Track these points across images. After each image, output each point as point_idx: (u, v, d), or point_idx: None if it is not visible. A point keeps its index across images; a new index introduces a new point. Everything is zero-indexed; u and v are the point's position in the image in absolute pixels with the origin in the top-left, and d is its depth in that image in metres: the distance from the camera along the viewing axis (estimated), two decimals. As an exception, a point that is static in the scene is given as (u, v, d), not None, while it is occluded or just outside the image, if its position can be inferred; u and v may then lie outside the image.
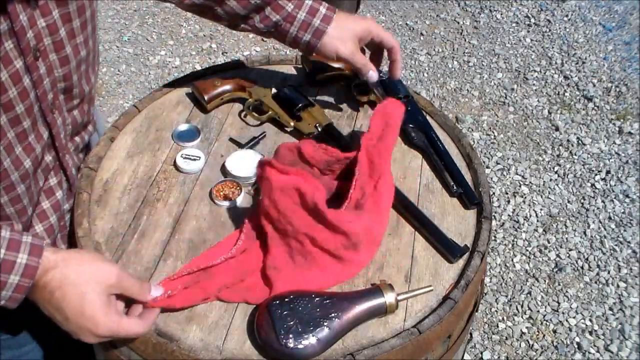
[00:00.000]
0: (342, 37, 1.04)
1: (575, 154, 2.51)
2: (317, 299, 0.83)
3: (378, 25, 1.06)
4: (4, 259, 0.73)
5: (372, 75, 1.07)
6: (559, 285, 2.07)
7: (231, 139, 1.10)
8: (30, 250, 0.75)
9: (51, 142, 0.93)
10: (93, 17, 0.92)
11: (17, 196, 0.87)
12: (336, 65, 1.21)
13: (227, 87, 1.15)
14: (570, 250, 2.17)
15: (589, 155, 2.50)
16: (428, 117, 1.14)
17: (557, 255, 2.16)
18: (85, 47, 0.92)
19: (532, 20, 3.19)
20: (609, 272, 2.10)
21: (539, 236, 2.21)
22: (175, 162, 1.05)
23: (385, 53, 1.10)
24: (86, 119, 1.03)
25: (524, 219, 2.26)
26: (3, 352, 1.04)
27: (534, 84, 2.83)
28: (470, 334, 1.91)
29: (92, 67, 0.98)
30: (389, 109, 1.00)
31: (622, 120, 2.66)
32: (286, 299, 0.82)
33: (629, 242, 2.19)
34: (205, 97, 1.13)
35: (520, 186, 2.39)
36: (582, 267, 2.12)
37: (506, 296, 2.04)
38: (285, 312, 0.81)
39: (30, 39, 0.80)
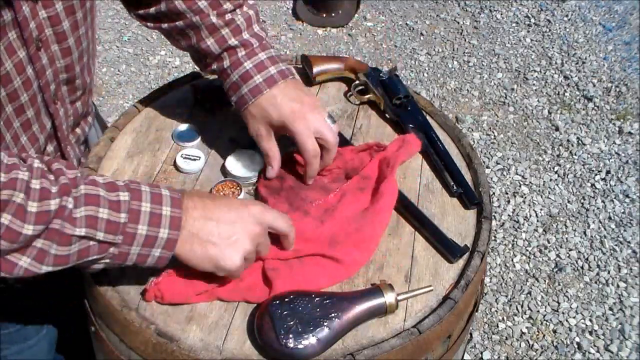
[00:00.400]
0: (257, 117, 0.94)
1: (575, 154, 2.51)
2: (317, 299, 0.83)
3: (303, 126, 0.92)
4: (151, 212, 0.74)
5: (269, 171, 0.97)
6: (559, 285, 2.07)
7: (231, 139, 1.10)
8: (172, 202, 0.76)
9: (53, 133, 0.93)
10: (92, 8, 0.93)
11: None
12: (336, 65, 1.21)
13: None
14: (570, 250, 2.17)
15: (589, 155, 2.50)
16: (428, 117, 1.14)
17: (557, 255, 2.16)
18: (87, 38, 0.92)
19: (532, 20, 3.19)
20: (609, 272, 2.10)
21: (539, 236, 2.21)
22: (175, 162, 1.05)
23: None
24: (86, 110, 1.04)
25: (524, 219, 2.26)
26: (7, 345, 1.05)
27: (534, 84, 2.83)
28: (470, 334, 1.91)
29: (93, 58, 0.99)
30: (409, 138, 1.05)
31: (622, 120, 2.66)
32: (286, 299, 0.82)
33: (629, 242, 2.19)
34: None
35: (520, 186, 2.39)
36: (582, 267, 2.12)
37: (506, 296, 2.04)
38: (285, 312, 0.81)
39: (32, 30, 0.80)
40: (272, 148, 0.96)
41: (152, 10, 0.98)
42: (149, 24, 1.02)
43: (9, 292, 0.99)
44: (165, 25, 0.99)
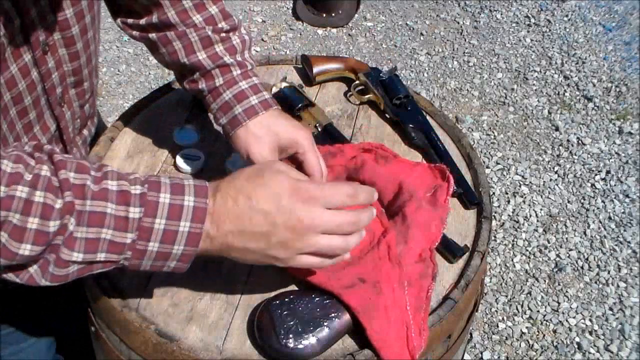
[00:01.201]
0: (260, 136, 0.88)
1: (575, 154, 2.51)
2: (317, 299, 0.83)
3: (310, 142, 0.88)
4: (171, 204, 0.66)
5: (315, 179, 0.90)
6: (559, 285, 2.07)
7: (231, 139, 1.10)
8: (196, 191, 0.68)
9: (59, 135, 0.93)
10: (99, 11, 0.93)
11: None
12: (336, 65, 1.21)
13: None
14: (570, 250, 2.17)
15: (589, 155, 2.50)
16: (428, 117, 1.14)
17: (557, 255, 2.16)
18: (94, 41, 0.92)
19: (532, 20, 3.19)
20: (609, 272, 2.10)
21: (539, 236, 2.21)
22: (175, 162, 1.05)
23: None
24: (92, 111, 1.04)
25: (524, 219, 2.26)
26: (4, 346, 1.05)
27: (534, 84, 2.83)
28: (470, 334, 1.91)
29: (97, 60, 0.99)
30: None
31: (622, 120, 2.66)
32: (286, 299, 0.82)
33: (629, 242, 2.19)
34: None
35: (520, 186, 2.39)
36: (582, 267, 2.12)
37: (506, 296, 2.04)
38: (285, 312, 0.81)
39: (40, 34, 0.80)
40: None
41: (142, 21, 0.95)
42: (134, 32, 0.98)
43: (8, 292, 0.99)
44: (152, 35, 0.95)
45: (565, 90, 2.80)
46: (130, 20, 0.97)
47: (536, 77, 2.87)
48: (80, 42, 0.88)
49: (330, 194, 0.70)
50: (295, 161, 0.90)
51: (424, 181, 1.01)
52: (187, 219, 0.66)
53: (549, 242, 2.20)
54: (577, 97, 2.77)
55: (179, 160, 1.04)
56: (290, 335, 0.79)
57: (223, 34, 0.93)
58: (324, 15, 3.12)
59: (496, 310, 2.01)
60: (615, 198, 2.34)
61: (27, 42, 0.79)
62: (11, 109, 0.80)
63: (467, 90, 2.80)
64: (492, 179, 2.41)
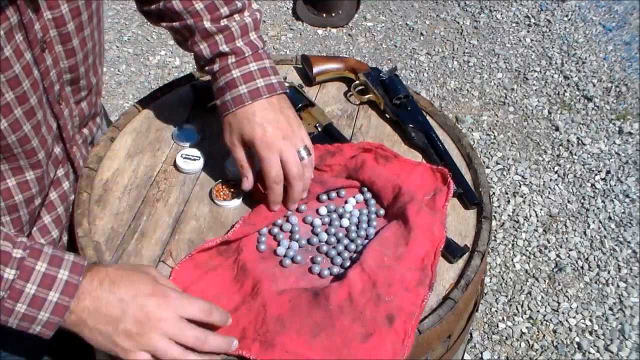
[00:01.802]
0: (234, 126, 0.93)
1: (575, 154, 2.51)
2: (317, 299, 0.83)
3: (273, 147, 0.90)
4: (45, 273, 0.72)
5: (245, 182, 0.95)
6: (559, 285, 2.07)
7: (231, 139, 1.10)
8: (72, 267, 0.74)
9: (59, 134, 0.93)
10: (98, 9, 0.93)
11: (28, 187, 0.88)
12: (336, 65, 1.21)
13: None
14: (570, 250, 2.17)
15: (589, 155, 2.50)
16: (428, 117, 1.14)
17: (557, 255, 2.16)
18: (92, 39, 0.92)
19: (532, 20, 3.19)
20: (609, 272, 2.10)
21: (539, 236, 2.21)
22: (175, 162, 1.05)
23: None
24: (94, 111, 1.04)
25: (524, 219, 2.26)
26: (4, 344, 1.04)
27: (534, 84, 2.83)
28: (470, 334, 1.91)
29: (99, 59, 0.99)
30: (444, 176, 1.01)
31: (622, 120, 2.66)
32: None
33: (629, 242, 2.19)
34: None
35: (520, 186, 2.39)
36: (582, 267, 2.12)
37: (506, 296, 2.04)
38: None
39: (37, 31, 0.80)
40: (243, 159, 0.94)
41: (153, 7, 0.99)
42: (152, 19, 1.04)
43: None
44: (164, 24, 1.01)
45: (565, 90, 2.80)
46: (146, 8, 1.01)
47: (536, 77, 2.87)
48: (77, 39, 0.88)
49: (186, 303, 0.74)
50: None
51: (425, 182, 1.01)
52: (57, 290, 0.71)
53: (549, 242, 2.20)
54: (577, 97, 2.77)
55: (179, 160, 1.04)
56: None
57: (223, 22, 0.95)
58: (324, 15, 3.12)
59: (496, 310, 2.01)
60: (615, 198, 2.34)
61: (26, 40, 0.79)
62: (15, 109, 0.80)
63: (467, 90, 2.80)
64: (492, 179, 2.40)
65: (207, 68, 0.98)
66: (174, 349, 0.73)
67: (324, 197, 0.99)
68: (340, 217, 0.97)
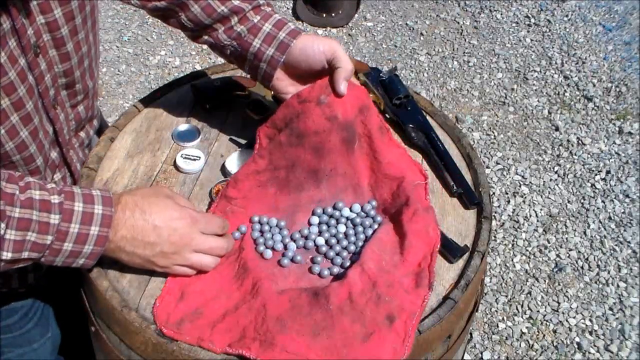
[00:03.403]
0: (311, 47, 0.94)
1: (575, 154, 2.51)
2: (317, 299, 0.83)
3: (341, 48, 0.95)
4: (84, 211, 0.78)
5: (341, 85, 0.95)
6: (559, 285, 2.07)
7: (231, 139, 1.10)
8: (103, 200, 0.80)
9: (55, 138, 0.93)
10: (93, 12, 0.92)
11: None
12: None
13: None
14: (570, 250, 2.17)
15: (589, 155, 2.50)
16: (428, 117, 1.14)
17: (557, 255, 2.16)
18: (86, 42, 0.92)
19: (532, 20, 3.19)
20: (609, 272, 2.10)
21: (539, 236, 2.21)
22: (175, 162, 1.05)
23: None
24: (90, 114, 1.03)
25: (524, 219, 2.26)
26: (11, 349, 1.05)
27: (534, 84, 2.83)
28: (470, 334, 1.92)
29: (95, 62, 0.98)
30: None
31: (622, 120, 2.66)
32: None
33: (629, 242, 2.19)
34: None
35: (520, 186, 2.39)
36: (582, 267, 2.12)
37: (506, 296, 2.05)
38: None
39: (30, 36, 0.80)
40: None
41: None
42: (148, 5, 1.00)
43: (12, 295, 0.99)
44: (159, 4, 0.98)
45: (565, 90, 2.80)
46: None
47: (536, 77, 2.87)
48: (71, 42, 0.88)
49: (208, 221, 0.86)
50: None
51: (411, 170, 1.01)
52: (96, 224, 0.79)
53: (549, 242, 2.20)
54: (577, 97, 2.77)
55: (179, 160, 1.04)
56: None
57: None
58: (324, 15, 3.12)
59: (496, 310, 2.01)
60: (615, 198, 2.34)
61: (19, 46, 0.78)
62: (12, 115, 0.80)
63: (467, 90, 2.80)
64: (492, 179, 2.41)
65: (227, 34, 0.96)
66: (204, 258, 0.85)
67: (319, 210, 0.98)
68: (337, 222, 0.96)
